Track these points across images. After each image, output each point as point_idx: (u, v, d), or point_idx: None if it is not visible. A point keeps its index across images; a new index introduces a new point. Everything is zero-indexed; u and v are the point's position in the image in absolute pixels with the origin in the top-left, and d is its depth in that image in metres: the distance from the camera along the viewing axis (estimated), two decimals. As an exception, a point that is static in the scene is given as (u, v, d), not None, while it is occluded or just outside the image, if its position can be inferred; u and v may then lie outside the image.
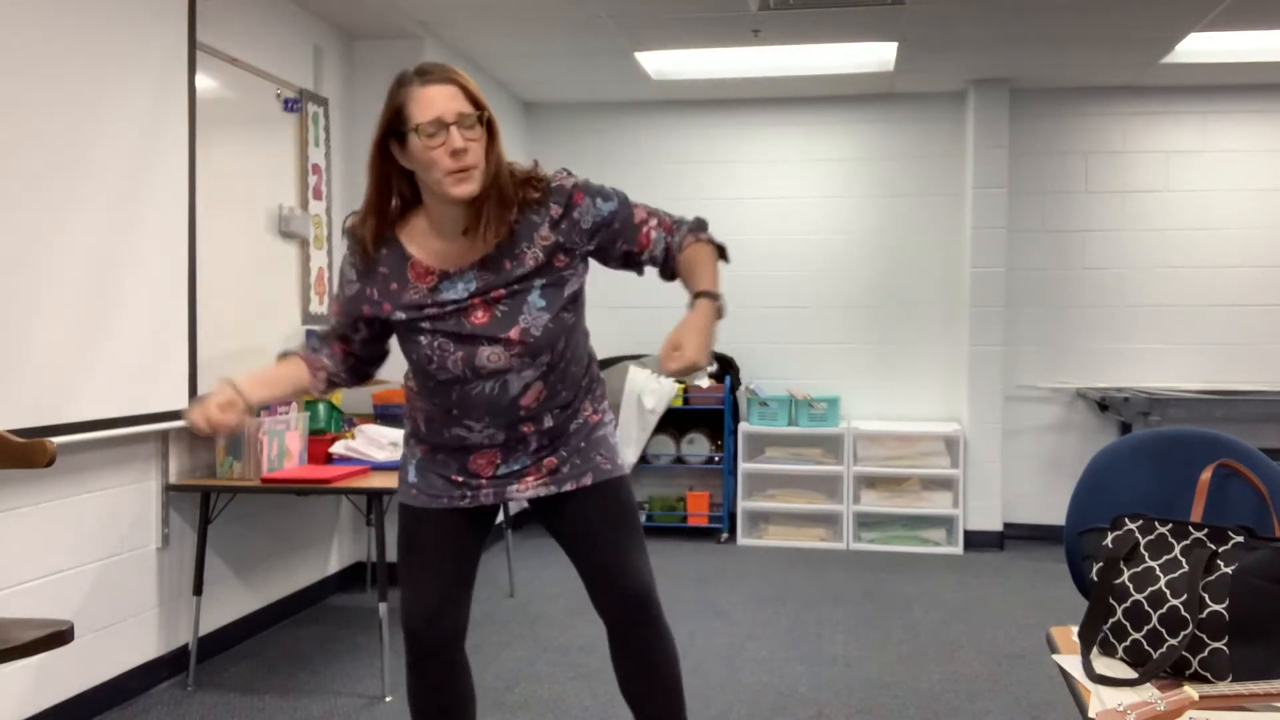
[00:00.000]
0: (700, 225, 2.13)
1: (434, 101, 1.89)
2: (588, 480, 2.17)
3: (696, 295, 1.98)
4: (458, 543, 2.18)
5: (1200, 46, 5.18)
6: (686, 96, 6.27)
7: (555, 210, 2.05)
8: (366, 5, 4.48)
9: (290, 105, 4.31)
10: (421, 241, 2.05)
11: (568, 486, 2.16)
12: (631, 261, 2.15)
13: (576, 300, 2.12)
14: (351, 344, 2.17)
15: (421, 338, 2.05)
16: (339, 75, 4.79)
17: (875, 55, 5.40)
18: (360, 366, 2.22)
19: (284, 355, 2.20)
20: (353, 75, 4.92)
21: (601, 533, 2.16)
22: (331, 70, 4.72)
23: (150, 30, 3.34)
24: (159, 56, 3.39)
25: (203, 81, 3.70)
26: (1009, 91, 5.92)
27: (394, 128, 1.94)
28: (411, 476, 2.20)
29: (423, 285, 2.04)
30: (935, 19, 4.76)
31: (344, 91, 4.84)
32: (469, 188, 1.93)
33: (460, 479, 2.16)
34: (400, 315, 2.06)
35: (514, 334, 2.03)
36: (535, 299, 2.04)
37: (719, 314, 1.95)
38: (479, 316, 2.03)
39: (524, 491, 2.17)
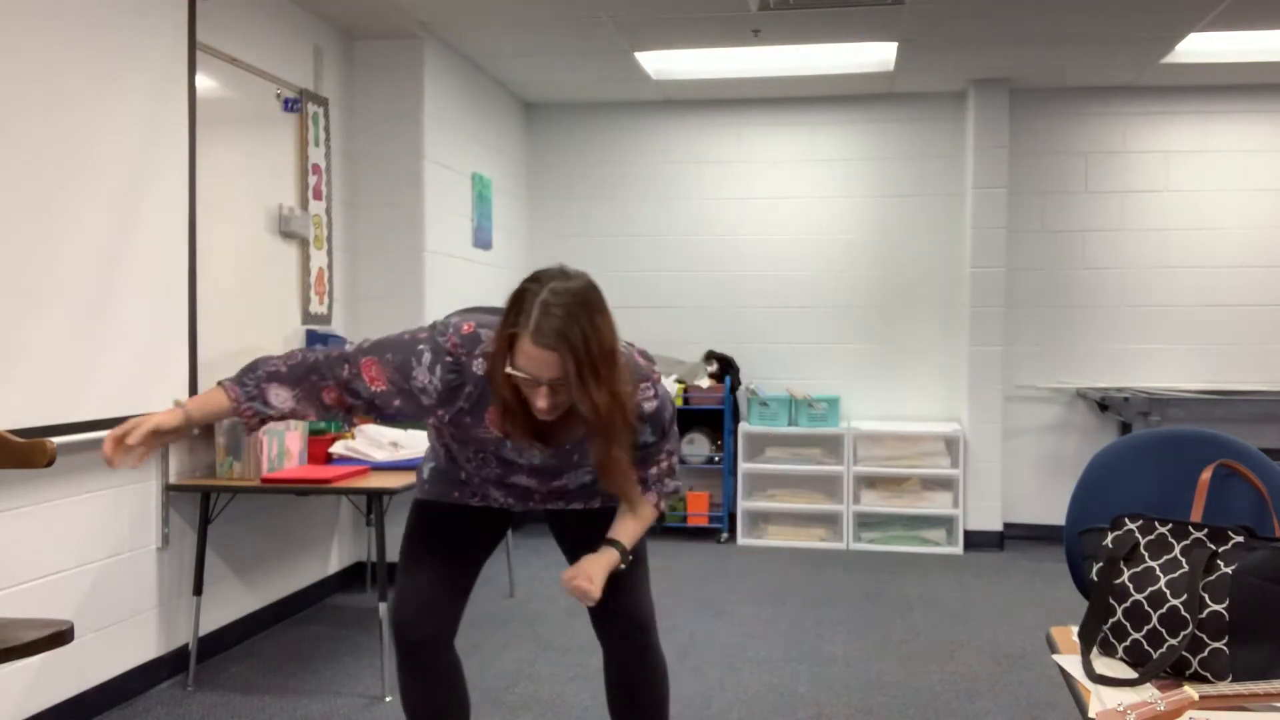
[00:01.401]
0: (674, 493, 2.18)
1: (532, 360, 1.84)
2: (595, 503, 2.25)
3: (611, 541, 2.09)
4: (460, 544, 2.22)
5: (1200, 46, 5.18)
6: (686, 96, 6.27)
7: None
8: (366, 5, 4.48)
9: (290, 105, 4.31)
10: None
11: (574, 505, 2.25)
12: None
13: None
14: (349, 395, 2.02)
15: (470, 448, 2.10)
16: (339, 75, 4.79)
17: (875, 55, 5.40)
18: (316, 419, 2.10)
19: (221, 384, 2.05)
20: (353, 75, 4.92)
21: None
22: (331, 70, 4.72)
23: (150, 30, 3.34)
24: (159, 56, 3.39)
25: (203, 81, 3.70)
26: (1009, 91, 5.92)
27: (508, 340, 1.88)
28: (426, 474, 2.28)
29: (494, 432, 2.03)
30: (935, 19, 4.76)
31: (344, 91, 4.84)
32: (548, 417, 1.93)
33: (472, 490, 2.25)
34: (457, 436, 2.08)
35: (555, 484, 2.15)
36: (584, 469, 2.14)
37: (619, 565, 2.10)
38: (528, 468, 2.12)
39: (532, 505, 2.24)
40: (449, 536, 2.21)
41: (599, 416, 1.88)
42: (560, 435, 2.03)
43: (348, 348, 2.03)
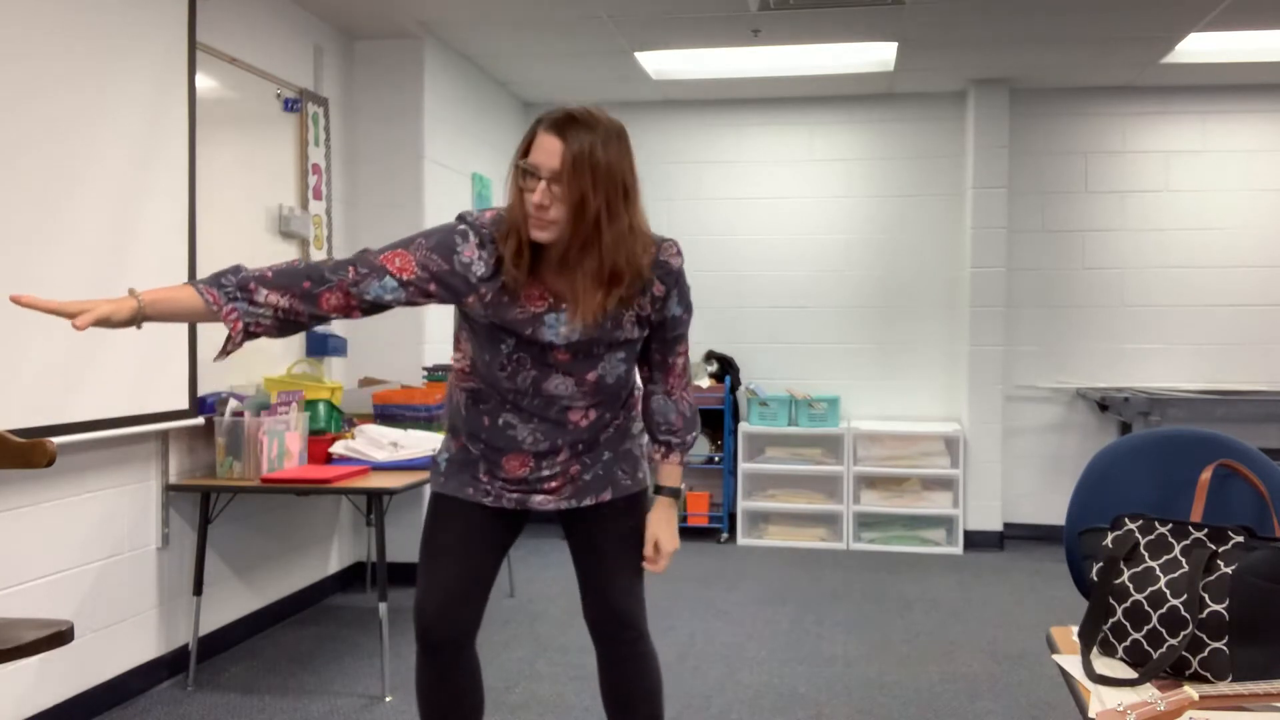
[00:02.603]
0: (695, 426, 2.27)
1: (541, 150, 1.88)
2: (606, 495, 2.22)
3: (663, 489, 2.25)
4: (480, 540, 2.21)
5: (1200, 46, 5.18)
6: (686, 96, 6.27)
7: (659, 288, 2.06)
8: (366, 5, 4.48)
9: (290, 105, 4.31)
10: (547, 264, 2.00)
11: (587, 502, 2.21)
12: (646, 351, 2.20)
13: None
14: (356, 296, 1.95)
15: (503, 346, 2.06)
16: (339, 75, 4.79)
17: (875, 55, 5.40)
18: (309, 321, 1.97)
19: (192, 284, 1.92)
20: (353, 75, 4.92)
21: (604, 554, 2.23)
22: (331, 70, 4.72)
23: (150, 30, 3.34)
24: (159, 56, 3.39)
25: (203, 81, 3.70)
26: (1009, 91, 5.92)
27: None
28: (442, 466, 2.25)
29: (531, 309, 2.01)
30: (935, 19, 4.76)
31: (344, 91, 4.84)
32: (543, 235, 1.91)
33: (486, 479, 2.18)
34: (494, 322, 2.04)
35: (590, 377, 2.09)
36: (618, 354, 2.10)
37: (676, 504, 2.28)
38: (563, 355, 2.06)
39: (545, 505, 2.20)
40: (466, 535, 2.19)
41: (582, 212, 1.87)
42: (565, 280, 1.99)
43: (350, 255, 2.01)
